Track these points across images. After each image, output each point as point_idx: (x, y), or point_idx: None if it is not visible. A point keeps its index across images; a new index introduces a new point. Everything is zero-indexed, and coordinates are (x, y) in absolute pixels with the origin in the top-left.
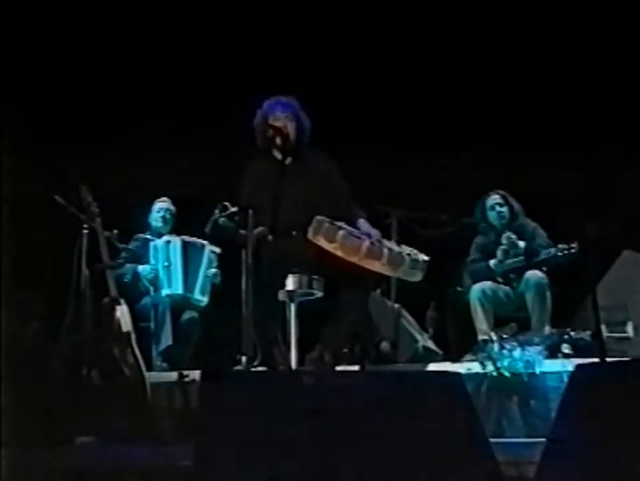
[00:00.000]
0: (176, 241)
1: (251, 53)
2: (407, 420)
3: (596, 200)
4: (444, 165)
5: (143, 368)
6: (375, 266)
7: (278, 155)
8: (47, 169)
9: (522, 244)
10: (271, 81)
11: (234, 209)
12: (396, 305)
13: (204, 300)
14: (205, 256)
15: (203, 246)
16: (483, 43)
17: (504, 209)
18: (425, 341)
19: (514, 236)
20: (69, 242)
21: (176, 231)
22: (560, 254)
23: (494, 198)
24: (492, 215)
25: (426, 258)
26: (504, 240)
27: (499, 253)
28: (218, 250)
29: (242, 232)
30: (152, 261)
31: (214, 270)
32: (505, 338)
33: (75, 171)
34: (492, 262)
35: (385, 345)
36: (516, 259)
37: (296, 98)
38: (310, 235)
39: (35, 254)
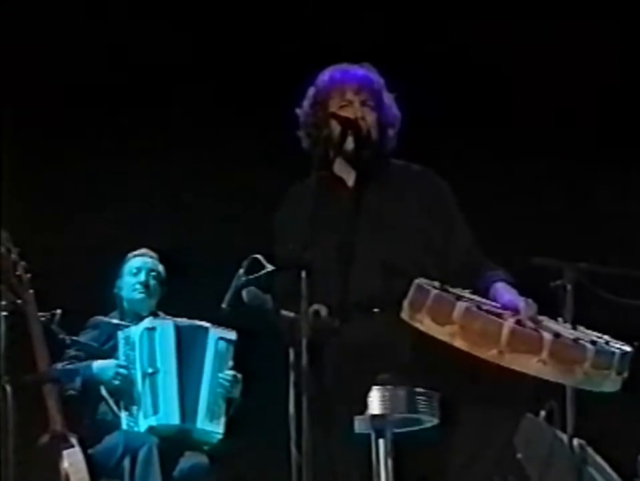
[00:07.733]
0: (166, 327)
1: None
2: None
3: None
4: None
5: None
6: (530, 365)
7: (345, 171)
8: None
9: None
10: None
11: (270, 268)
12: (576, 441)
13: (219, 430)
14: (210, 347)
15: (206, 330)
16: None
17: None
18: None
19: None
20: None
21: (163, 308)
22: None
23: None
24: None
25: (628, 348)
26: None
27: None
28: (233, 336)
29: (287, 313)
30: (122, 360)
31: (230, 372)
32: None
33: None
34: None
35: None
36: None
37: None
38: (406, 314)
39: None
